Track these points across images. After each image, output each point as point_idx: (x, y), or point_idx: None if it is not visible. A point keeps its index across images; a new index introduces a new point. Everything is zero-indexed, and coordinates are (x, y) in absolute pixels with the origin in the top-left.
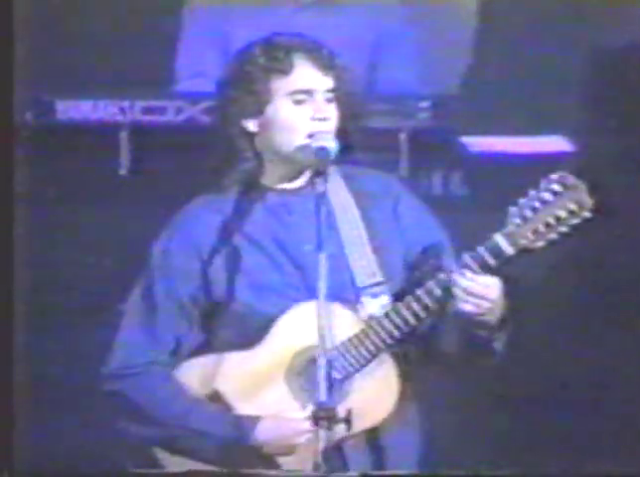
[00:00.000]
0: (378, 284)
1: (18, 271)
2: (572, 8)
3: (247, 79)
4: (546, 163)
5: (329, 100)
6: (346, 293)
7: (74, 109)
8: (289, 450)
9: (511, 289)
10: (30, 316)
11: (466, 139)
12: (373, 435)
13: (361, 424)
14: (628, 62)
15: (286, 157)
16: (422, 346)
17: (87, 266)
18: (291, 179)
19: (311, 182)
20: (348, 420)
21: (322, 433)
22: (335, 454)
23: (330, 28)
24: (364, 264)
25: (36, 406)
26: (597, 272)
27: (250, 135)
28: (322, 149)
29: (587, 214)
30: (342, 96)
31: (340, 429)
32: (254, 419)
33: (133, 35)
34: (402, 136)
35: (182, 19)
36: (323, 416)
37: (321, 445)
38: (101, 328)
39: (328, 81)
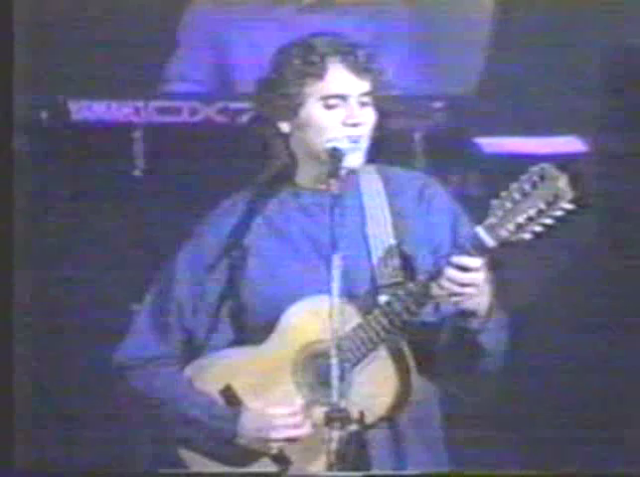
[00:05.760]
0: (397, 284)
1: (23, 270)
2: (589, 7)
3: (282, 81)
4: (560, 163)
5: (364, 104)
6: (363, 290)
7: (87, 110)
8: (268, 445)
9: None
10: (31, 315)
11: (480, 139)
12: (395, 434)
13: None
14: None
15: (318, 158)
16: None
17: (100, 266)
18: (325, 180)
19: (327, 183)
20: (361, 422)
21: (335, 434)
22: (358, 454)
23: (331, 30)
24: (387, 264)
25: (36, 407)
26: (611, 271)
27: (285, 136)
28: (335, 150)
29: (567, 205)
30: (379, 99)
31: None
32: (238, 412)
33: (146, 36)
34: (417, 136)
35: (182, 23)
36: (336, 418)
37: (334, 446)
38: (107, 326)
39: (363, 85)
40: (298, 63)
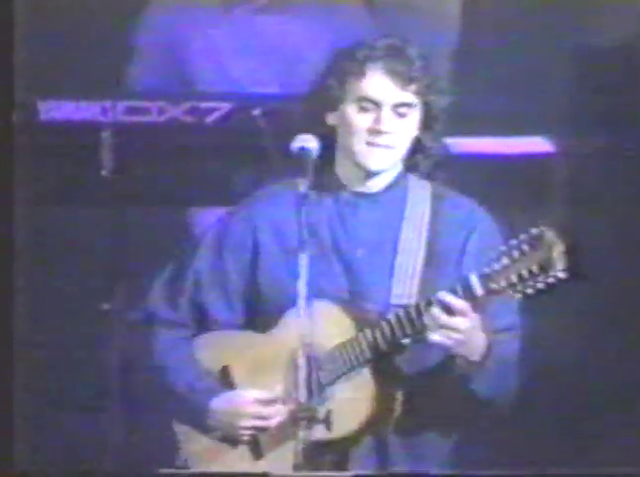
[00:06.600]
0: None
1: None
2: (556, 9)
3: (329, 76)
4: (528, 164)
5: (401, 115)
6: (373, 303)
7: (56, 109)
8: (236, 432)
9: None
10: (29, 312)
11: (448, 140)
12: (378, 437)
13: (338, 431)
14: (612, 62)
15: (352, 158)
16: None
17: (67, 266)
18: (364, 182)
19: (297, 182)
20: (327, 421)
21: (301, 434)
22: (336, 455)
23: (286, 30)
24: (406, 285)
25: (36, 406)
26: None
27: (329, 127)
28: (302, 149)
29: (560, 274)
30: (425, 111)
31: (320, 430)
32: (216, 390)
33: (115, 35)
34: None
35: (141, 25)
36: (303, 417)
37: (299, 446)
38: (93, 323)
39: (404, 95)
40: (344, 61)
